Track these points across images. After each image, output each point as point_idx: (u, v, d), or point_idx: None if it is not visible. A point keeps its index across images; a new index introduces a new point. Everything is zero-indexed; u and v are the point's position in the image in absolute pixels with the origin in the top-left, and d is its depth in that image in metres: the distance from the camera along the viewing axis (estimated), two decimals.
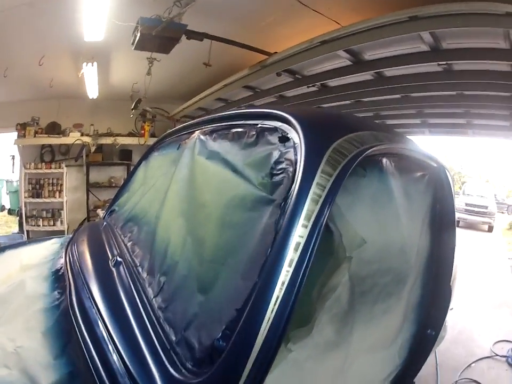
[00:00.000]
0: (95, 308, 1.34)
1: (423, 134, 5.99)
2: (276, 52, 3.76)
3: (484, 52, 2.77)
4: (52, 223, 7.09)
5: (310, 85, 4.12)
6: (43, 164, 7.09)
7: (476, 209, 13.98)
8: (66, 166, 7.21)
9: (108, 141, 7.23)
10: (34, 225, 7.03)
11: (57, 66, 5.30)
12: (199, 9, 3.49)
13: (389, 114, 5.15)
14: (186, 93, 6.40)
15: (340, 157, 1.13)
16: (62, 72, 5.43)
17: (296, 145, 1.16)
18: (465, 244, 8.65)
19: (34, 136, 6.95)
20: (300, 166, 1.09)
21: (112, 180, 7.67)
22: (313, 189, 1.03)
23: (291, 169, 1.13)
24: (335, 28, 3.14)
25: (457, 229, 1.92)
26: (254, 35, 4.07)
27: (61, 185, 7.15)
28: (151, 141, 6.82)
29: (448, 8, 2.30)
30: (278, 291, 0.92)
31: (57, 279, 1.77)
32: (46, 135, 7.03)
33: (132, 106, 5.95)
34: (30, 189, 7.07)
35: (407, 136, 2.02)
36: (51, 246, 2.34)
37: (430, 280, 1.81)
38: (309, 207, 1.00)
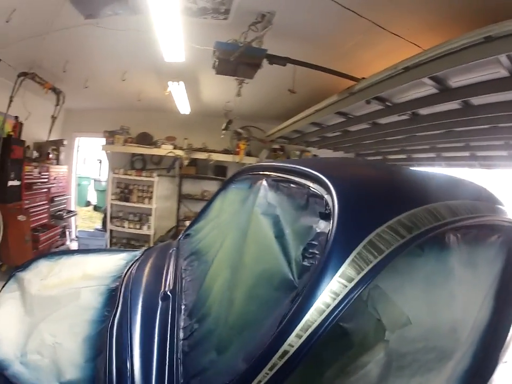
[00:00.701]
0: (129, 335, 1.49)
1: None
2: (364, 78, 3.53)
3: None
4: (138, 226, 7.42)
5: (401, 113, 3.81)
6: (133, 171, 7.42)
7: None
8: (157, 176, 7.50)
9: (201, 156, 7.39)
10: (119, 226, 7.43)
11: (142, 83, 5.57)
12: (278, 33, 3.43)
13: (479, 145, 4.62)
14: (280, 114, 6.40)
15: (372, 254, 0.98)
16: (148, 88, 5.70)
17: (329, 230, 1.06)
18: None
19: (123, 145, 7.26)
20: (323, 259, 1.01)
21: (205, 194, 7.86)
22: (322, 297, 0.95)
23: (317, 258, 1.06)
24: (415, 50, 2.86)
25: None
26: (337, 59, 3.88)
27: (151, 192, 7.45)
28: (247, 160, 7.14)
29: None
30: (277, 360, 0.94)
31: (110, 297, 1.88)
32: (136, 145, 7.32)
33: (223, 127, 6.00)
34: (118, 192, 7.51)
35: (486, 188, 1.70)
36: (118, 261, 2.43)
37: (477, 352, 1.47)
38: (311, 316, 0.95)
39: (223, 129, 6.07)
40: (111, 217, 7.45)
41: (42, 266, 2.41)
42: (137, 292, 1.83)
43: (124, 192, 7.48)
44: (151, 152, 7.40)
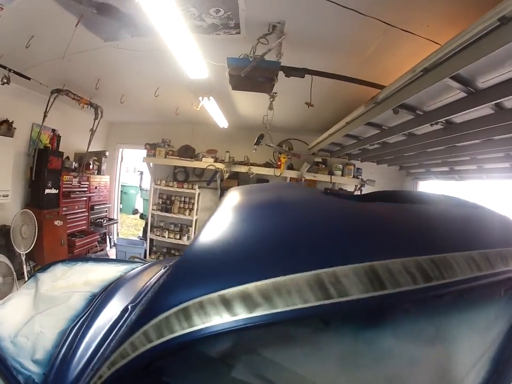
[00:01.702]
0: (81, 332, 1.79)
1: None
2: (385, 86, 3.28)
3: None
4: (178, 236, 7.45)
5: (433, 122, 3.48)
6: (175, 182, 7.50)
7: None
8: (199, 188, 7.53)
9: (242, 169, 7.32)
10: (159, 236, 7.48)
11: (176, 98, 5.71)
12: (294, 44, 3.33)
13: None
14: (320, 126, 6.26)
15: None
16: (183, 103, 5.78)
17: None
18: None
19: (165, 157, 7.41)
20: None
21: None
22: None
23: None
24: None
25: None
26: (361, 67, 3.67)
27: (193, 204, 7.48)
28: (288, 173, 7.10)
29: None
30: None
31: (90, 302, 2.17)
32: (178, 158, 7.43)
33: (255, 142, 5.92)
34: (160, 202, 7.62)
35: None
36: (116, 272, 2.70)
37: None
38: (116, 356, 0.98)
39: (255, 144, 5.98)
40: (152, 227, 7.55)
41: (58, 270, 2.80)
42: (107, 301, 2.07)
43: (166, 203, 7.59)
44: (192, 165, 7.47)
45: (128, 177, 9.96)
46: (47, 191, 5.63)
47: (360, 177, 7.18)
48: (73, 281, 2.51)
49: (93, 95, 5.66)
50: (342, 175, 7.18)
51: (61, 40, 3.70)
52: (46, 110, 5.29)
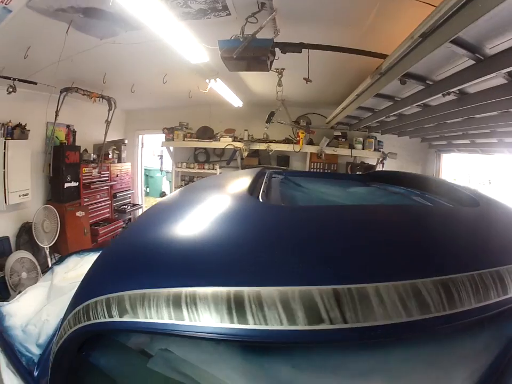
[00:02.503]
0: None
1: None
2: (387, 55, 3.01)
3: None
4: None
5: (445, 93, 3.19)
6: (195, 164, 7.49)
7: None
8: (220, 168, 7.47)
9: (261, 146, 7.15)
10: None
11: (185, 83, 5.69)
12: (290, 20, 3.20)
13: None
14: (334, 99, 5.95)
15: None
16: (194, 86, 5.72)
17: None
18: None
19: (183, 140, 7.35)
20: None
21: None
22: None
23: None
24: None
25: None
26: (362, 37, 3.42)
27: None
28: (307, 149, 6.94)
29: None
30: None
31: None
32: (196, 139, 7.35)
33: (266, 120, 5.88)
34: (183, 184, 7.59)
35: None
36: None
37: None
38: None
39: (266, 122, 5.85)
40: None
41: (71, 262, 2.89)
42: None
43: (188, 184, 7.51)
44: (210, 145, 7.38)
45: (154, 161, 9.97)
46: (66, 184, 5.82)
47: (381, 150, 6.86)
48: (82, 271, 2.57)
49: (104, 87, 5.71)
50: (362, 149, 6.87)
51: (58, 46, 3.78)
52: (57, 109, 5.44)
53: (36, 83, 4.89)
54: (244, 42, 2.95)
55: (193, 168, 7.40)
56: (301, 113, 7.31)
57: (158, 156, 8.21)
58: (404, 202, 1.87)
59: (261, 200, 1.30)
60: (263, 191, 1.47)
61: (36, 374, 1.57)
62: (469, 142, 5.42)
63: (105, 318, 0.87)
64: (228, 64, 3.26)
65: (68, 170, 5.85)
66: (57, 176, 5.78)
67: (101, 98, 5.83)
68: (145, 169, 8.56)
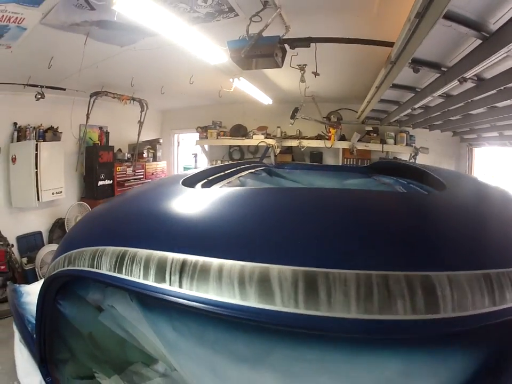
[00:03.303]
0: None
1: None
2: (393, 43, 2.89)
3: None
4: None
5: (460, 79, 3.01)
6: (229, 161, 7.50)
7: None
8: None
9: (293, 143, 7.11)
10: None
11: (213, 82, 5.72)
12: (299, 16, 3.17)
13: None
14: (362, 94, 5.74)
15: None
16: (221, 86, 5.71)
17: None
18: None
19: (217, 138, 7.43)
20: None
21: None
22: None
23: None
24: None
25: None
26: (371, 26, 3.29)
27: None
28: (338, 145, 6.81)
29: None
30: None
31: None
32: (229, 137, 7.43)
33: (290, 116, 5.86)
34: None
35: None
36: None
37: None
38: None
39: (291, 118, 5.82)
40: None
41: None
42: None
43: None
44: (243, 143, 7.44)
45: (191, 160, 10.24)
46: (100, 183, 6.15)
47: (413, 145, 6.59)
48: None
49: (134, 90, 5.91)
50: (394, 143, 6.64)
51: (80, 55, 3.94)
52: (88, 112, 5.75)
53: (64, 89, 5.21)
54: (251, 41, 2.96)
55: None
56: (333, 109, 7.14)
57: (192, 154, 8.30)
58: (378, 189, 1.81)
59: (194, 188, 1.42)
60: (207, 181, 1.61)
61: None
62: (497, 134, 5.08)
63: (79, 266, 0.98)
64: (238, 63, 3.27)
65: (102, 169, 6.16)
66: (91, 175, 6.14)
67: (132, 100, 6.05)
68: (184, 167, 8.70)
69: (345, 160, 7.10)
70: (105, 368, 1.09)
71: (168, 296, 0.75)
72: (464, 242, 0.81)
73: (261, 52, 3.07)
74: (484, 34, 2.23)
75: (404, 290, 0.62)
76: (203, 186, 1.50)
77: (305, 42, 3.27)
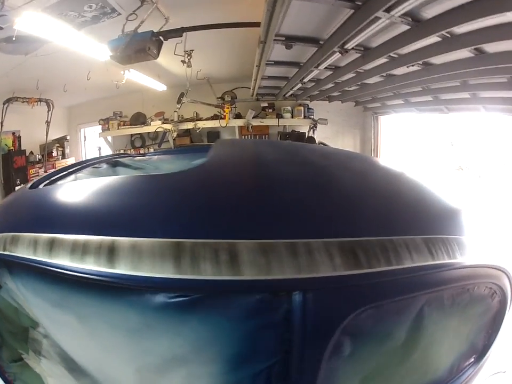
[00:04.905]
0: None
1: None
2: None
3: None
4: None
5: (341, 50, 2.84)
6: (132, 150, 7.40)
7: None
8: (154, 150, 7.14)
9: (188, 125, 6.88)
10: None
11: (109, 75, 5.46)
12: (177, 7, 3.35)
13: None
14: (250, 73, 5.59)
15: None
16: (117, 77, 5.53)
17: None
18: None
19: (118, 128, 7.31)
20: None
21: None
22: None
23: None
24: None
25: None
26: (248, 10, 3.31)
27: None
28: (234, 122, 6.69)
29: None
30: None
31: None
32: (129, 126, 7.30)
33: (177, 101, 6.00)
34: None
35: None
36: None
37: None
38: None
39: (177, 103, 5.95)
40: None
41: None
42: None
43: None
44: (142, 130, 7.18)
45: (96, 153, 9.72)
46: (17, 188, 5.80)
47: (311, 117, 6.55)
48: None
49: (41, 91, 5.81)
50: (292, 117, 6.58)
51: None
52: (1, 119, 5.56)
53: None
54: (126, 39, 3.14)
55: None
56: (230, 89, 6.89)
57: (97, 147, 8.04)
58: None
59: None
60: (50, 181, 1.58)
61: None
62: (403, 102, 5.00)
63: None
64: (117, 60, 3.40)
65: (17, 174, 6.00)
66: (9, 182, 5.95)
67: (39, 102, 5.99)
68: None
69: (244, 137, 6.97)
70: (20, 343, 1.12)
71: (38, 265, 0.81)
72: None
73: (135, 48, 3.24)
74: (358, 3, 2.09)
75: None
76: (45, 185, 1.47)
77: (178, 32, 3.40)
